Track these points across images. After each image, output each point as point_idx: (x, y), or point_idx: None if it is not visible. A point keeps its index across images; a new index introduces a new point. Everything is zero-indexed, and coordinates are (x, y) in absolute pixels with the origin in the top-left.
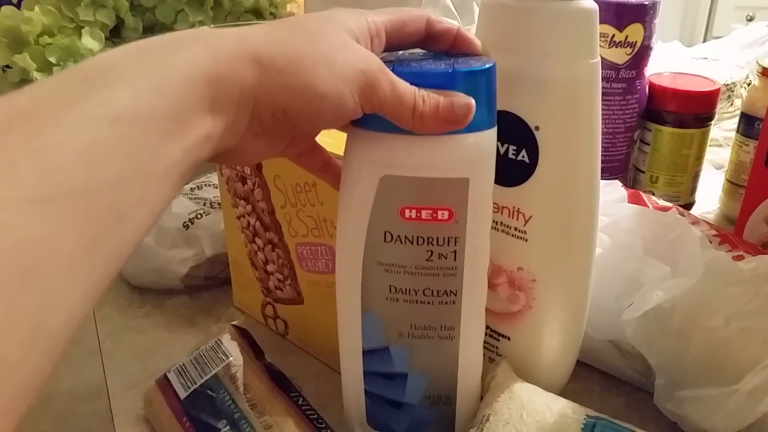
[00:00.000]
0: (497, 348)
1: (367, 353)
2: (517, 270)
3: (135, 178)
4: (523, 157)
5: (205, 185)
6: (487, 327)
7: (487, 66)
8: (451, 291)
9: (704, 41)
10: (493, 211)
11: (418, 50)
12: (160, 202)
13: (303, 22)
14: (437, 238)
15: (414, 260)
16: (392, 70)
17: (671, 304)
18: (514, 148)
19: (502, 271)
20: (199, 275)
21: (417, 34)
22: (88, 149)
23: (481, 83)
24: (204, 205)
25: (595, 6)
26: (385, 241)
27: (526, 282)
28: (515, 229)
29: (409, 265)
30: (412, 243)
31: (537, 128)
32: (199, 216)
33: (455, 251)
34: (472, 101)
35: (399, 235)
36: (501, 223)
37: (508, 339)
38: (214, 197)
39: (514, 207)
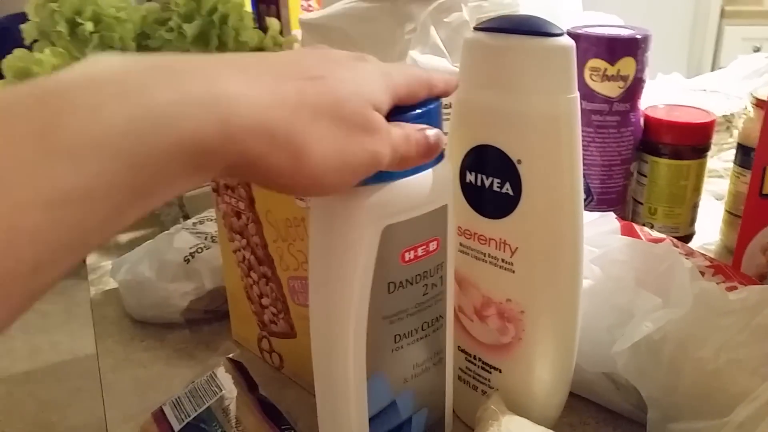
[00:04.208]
0: (489, 381)
1: (373, 418)
2: (505, 301)
3: (62, 258)
4: (507, 189)
5: (207, 219)
6: (479, 359)
7: (430, 107)
8: (440, 316)
9: (712, 72)
10: (481, 243)
11: None
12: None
13: (332, 89)
14: (429, 270)
15: (413, 300)
16: None
17: (661, 336)
18: (498, 181)
19: (492, 303)
20: (199, 309)
21: (418, 98)
22: (9, 238)
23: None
24: (205, 239)
25: (572, 42)
26: (389, 292)
27: (515, 313)
28: (502, 260)
29: (410, 308)
30: (412, 284)
31: (519, 161)
32: (200, 250)
33: (442, 276)
34: (439, 132)
35: (401, 282)
36: (489, 254)
37: (500, 371)
38: (215, 231)
39: (500, 239)
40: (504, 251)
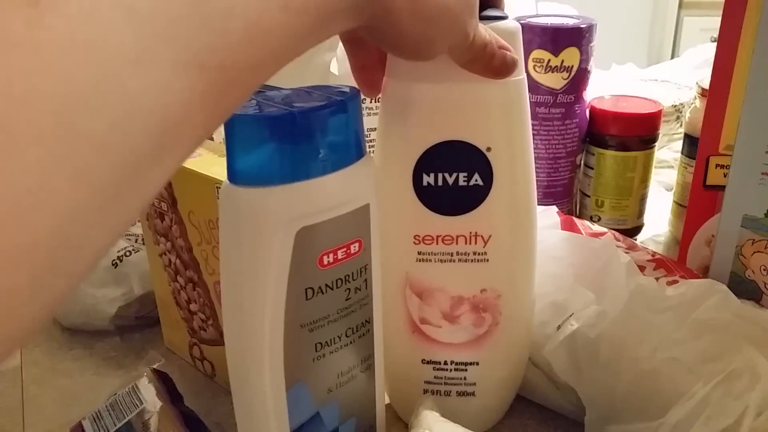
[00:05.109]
0: (465, 378)
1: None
2: (480, 293)
3: (272, 62)
4: (476, 181)
5: (138, 220)
6: (451, 362)
7: (347, 101)
8: (366, 321)
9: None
10: (446, 244)
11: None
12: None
13: None
14: (352, 274)
15: (335, 306)
16: (239, 112)
17: (597, 334)
18: (465, 174)
19: (463, 300)
20: (129, 315)
21: None
22: (256, 29)
23: (339, 120)
24: (135, 241)
25: (518, 25)
26: (306, 299)
27: (491, 300)
28: (474, 253)
29: (332, 314)
30: (332, 289)
31: (489, 149)
32: (128, 253)
33: (366, 279)
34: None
35: (320, 287)
36: (457, 252)
37: (477, 364)
38: None
39: (470, 232)
40: (476, 243)
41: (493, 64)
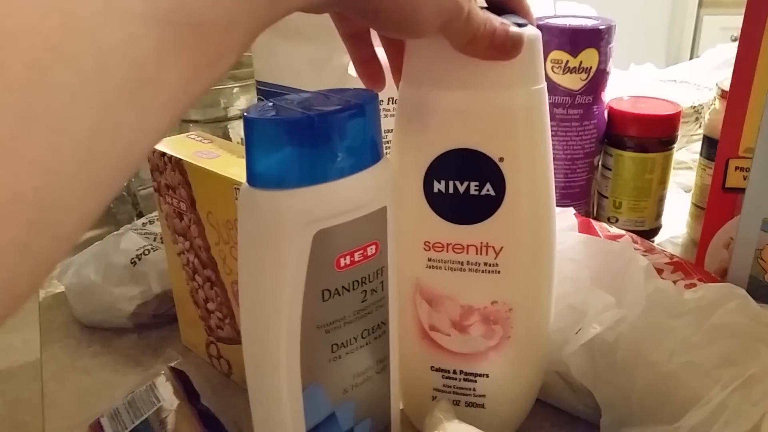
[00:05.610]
0: (474, 390)
1: (311, 431)
2: (490, 305)
3: (246, 23)
4: (487, 191)
5: (157, 219)
6: (460, 372)
7: (365, 104)
8: (382, 322)
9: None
10: (456, 252)
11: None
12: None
13: None
14: (368, 276)
15: (351, 308)
16: (258, 116)
17: (615, 338)
18: (476, 183)
19: (474, 310)
20: (147, 313)
21: None
22: None
23: (356, 123)
24: (154, 240)
25: (538, 33)
26: (323, 300)
27: (502, 314)
28: (485, 264)
29: (348, 316)
30: (348, 291)
31: (501, 159)
32: (147, 252)
33: (382, 281)
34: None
35: (336, 289)
36: (468, 262)
37: (487, 376)
38: None
39: (482, 243)
40: (486, 254)
41: (495, 42)
